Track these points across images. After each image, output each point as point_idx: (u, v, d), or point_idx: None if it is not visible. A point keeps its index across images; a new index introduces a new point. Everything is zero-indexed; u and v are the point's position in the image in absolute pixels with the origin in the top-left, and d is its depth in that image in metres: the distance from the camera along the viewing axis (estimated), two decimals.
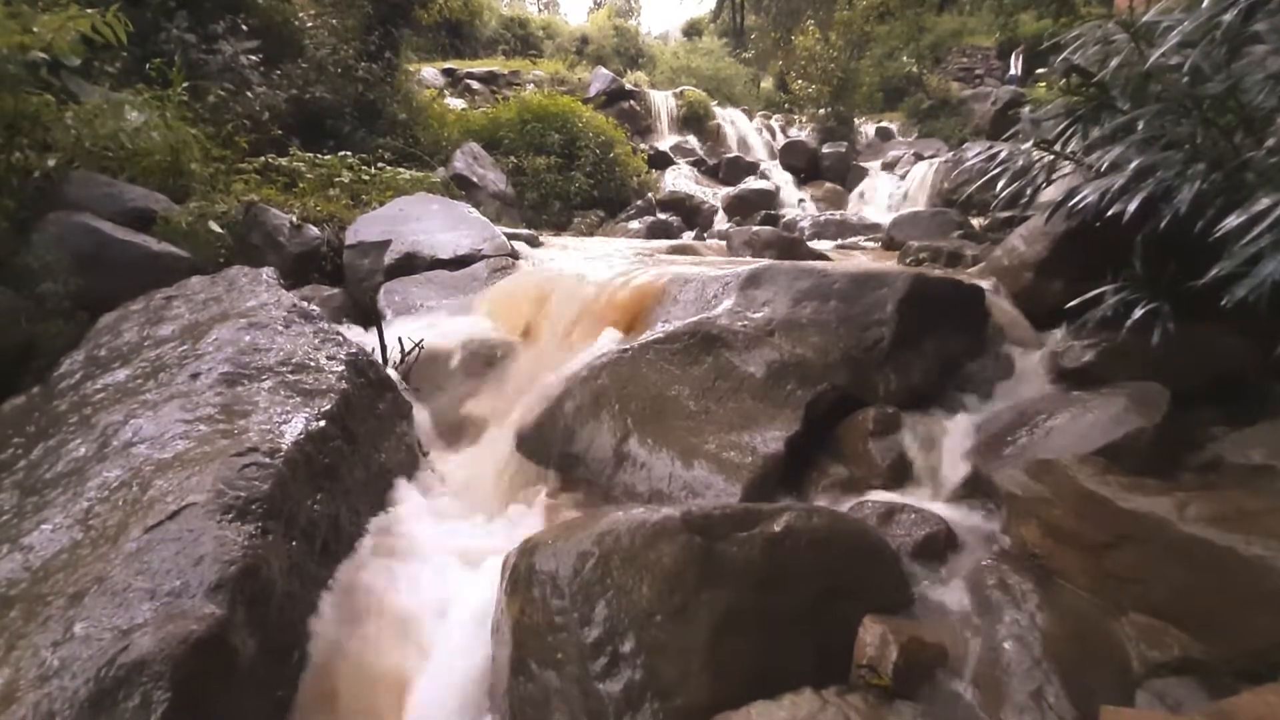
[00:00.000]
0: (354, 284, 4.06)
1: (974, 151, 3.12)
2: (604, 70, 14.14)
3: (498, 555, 1.74)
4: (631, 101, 13.34)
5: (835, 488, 2.20)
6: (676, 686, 1.34)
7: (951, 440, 2.32)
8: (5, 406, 2.38)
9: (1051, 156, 2.58)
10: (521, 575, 1.55)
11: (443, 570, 1.89)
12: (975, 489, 2.13)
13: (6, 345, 2.81)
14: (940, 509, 2.03)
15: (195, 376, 2.08)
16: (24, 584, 1.45)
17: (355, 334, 3.22)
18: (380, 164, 6.20)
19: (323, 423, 1.98)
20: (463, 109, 10.36)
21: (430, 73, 12.14)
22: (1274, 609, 1.34)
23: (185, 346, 2.30)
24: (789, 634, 1.46)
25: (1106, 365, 2.34)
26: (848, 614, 1.52)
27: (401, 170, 6.25)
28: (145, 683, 1.18)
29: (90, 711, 1.15)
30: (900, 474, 2.20)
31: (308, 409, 2.00)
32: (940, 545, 1.85)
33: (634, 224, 8.36)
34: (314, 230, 4.33)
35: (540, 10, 23.04)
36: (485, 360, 2.99)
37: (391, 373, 2.72)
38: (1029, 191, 2.67)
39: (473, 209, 4.88)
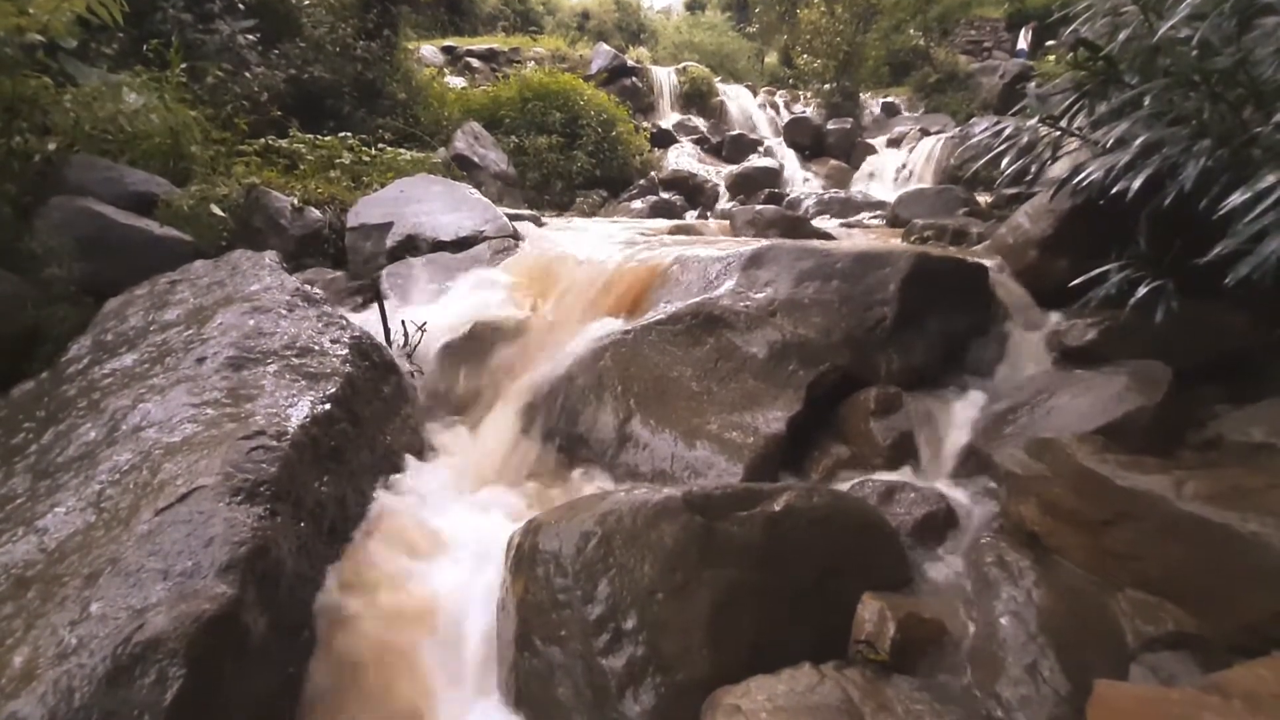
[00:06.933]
0: (356, 266, 4.06)
1: (980, 127, 3.09)
2: (605, 47, 13.93)
3: (502, 535, 1.77)
4: (633, 78, 13.16)
5: (837, 467, 2.22)
6: (677, 661, 1.37)
7: (953, 419, 2.33)
8: (15, 392, 2.41)
9: (1058, 132, 2.55)
10: (526, 554, 1.58)
11: (448, 550, 1.92)
12: (976, 467, 2.14)
13: (13, 331, 2.83)
14: (940, 487, 2.05)
15: (201, 361, 2.10)
16: (40, 565, 1.48)
17: (357, 316, 3.23)
18: (381, 145, 6.15)
19: (328, 406, 2.00)
20: (463, 88, 10.24)
21: (429, 51, 11.99)
22: (1269, 585, 1.36)
23: (190, 331, 2.32)
24: (789, 610, 1.49)
25: (1109, 344, 2.33)
26: (847, 591, 1.55)
27: (402, 151, 6.20)
28: (160, 660, 1.21)
29: (108, 688, 1.18)
30: (901, 453, 2.21)
31: (313, 392, 2.02)
32: (940, 523, 1.87)
33: (636, 203, 8.31)
34: (315, 213, 4.32)
35: None
36: (488, 342, 3.00)
37: (395, 355, 2.74)
38: (1035, 168, 2.65)
39: (474, 190, 4.85)
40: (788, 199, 8.20)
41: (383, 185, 4.89)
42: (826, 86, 13.50)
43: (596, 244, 3.79)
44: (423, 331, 2.94)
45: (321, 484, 1.83)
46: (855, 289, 2.58)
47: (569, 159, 8.84)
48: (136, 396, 2.00)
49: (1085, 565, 1.63)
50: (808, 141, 11.75)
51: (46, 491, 1.74)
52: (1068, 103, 2.43)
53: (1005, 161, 2.65)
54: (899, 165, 10.14)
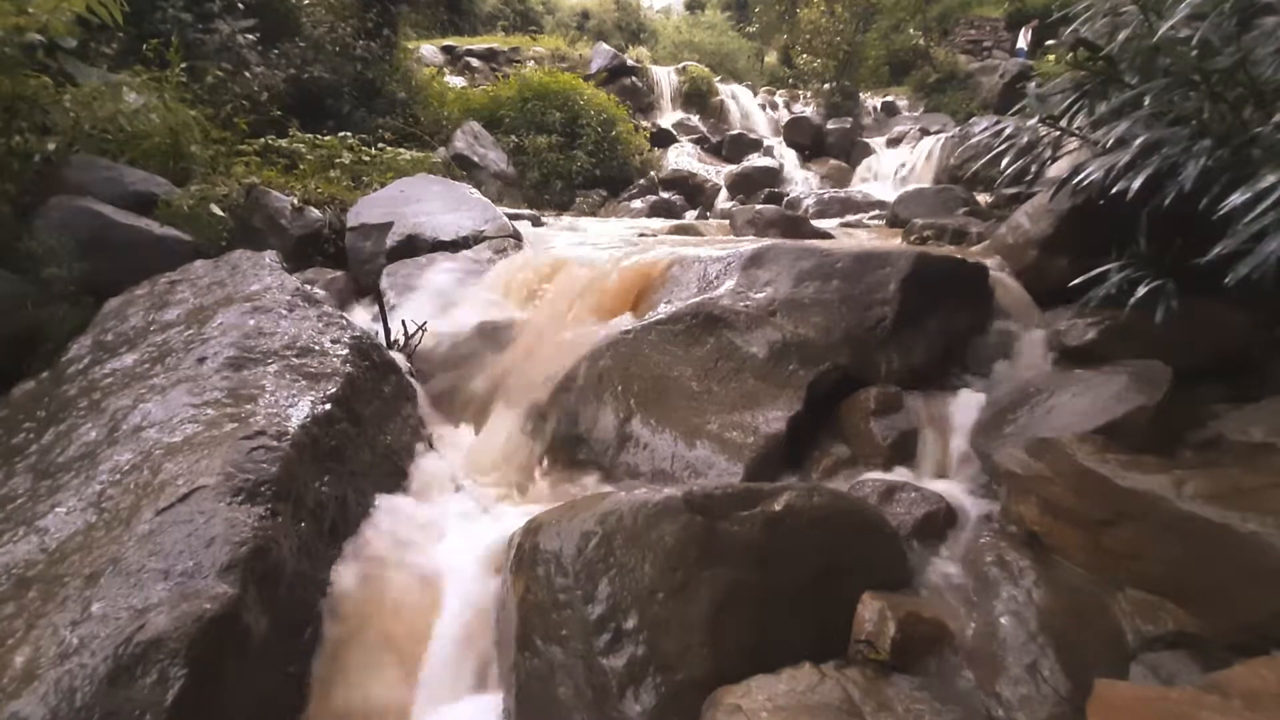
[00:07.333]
0: (356, 266, 4.06)
1: (980, 127, 3.09)
2: (605, 46, 13.91)
3: (503, 535, 1.77)
4: (633, 78, 13.14)
5: (837, 467, 2.22)
6: (678, 661, 1.37)
7: (953, 419, 2.33)
8: (15, 391, 2.41)
9: (1058, 132, 2.55)
10: (526, 554, 1.58)
11: (449, 550, 1.92)
12: (976, 467, 2.15)
13: (13, 331, 2.83)
14: (941, 487, 2.05)
15: (202, 361, 2.10)
16: (41, 565, 1.48)
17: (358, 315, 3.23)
18: (380, 144, 6.15)
19: (328, 406, 2.00)
20: (463, 87, 10.24)
21: (429, 50, 11.97)
22: (1269, 584, 1.36)
23: (191, 331, 2.32)
24: (789, 610, 1.49)
25: (1109, 343, 2.34)
26: (847, 590, 1.55)
27: (402, 150, 6.20)
28: (162, 660, 1.21)
29: (110, 687, 1.18)
30: (901, 453, 2.21)
31: (313, 392, 2.02)
32: (940, 523, 1.87)
33: (636, 203, 8.30)
34: (315, 213, 4.31)
35: None
36: (488, 342, 3.00)
37: (395, 355, 2.74)
38: (1035, 168, 2.65)
39: (474, 190, 4.85)
40: (787, 199, 8.20)
41: (382, 185, 4.89)
42: (826, 86, 13.49)
43: (596, 244, 3.79)
44: (423, 331, 2.94)
45: (322, 484, 1.83)
46: (855, 289, 2.58)
47: (569, 158, 8.83)
48: (137, 396, 2.00)
49: (1085, 565, 1.63)
50: (807, 141, 11.74)
51: (47, 491, 1.74)
52: (1068, 102, 2.43)
53: (1005, 161, 2.65)
54: (899, 165, 10.14)
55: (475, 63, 12.83)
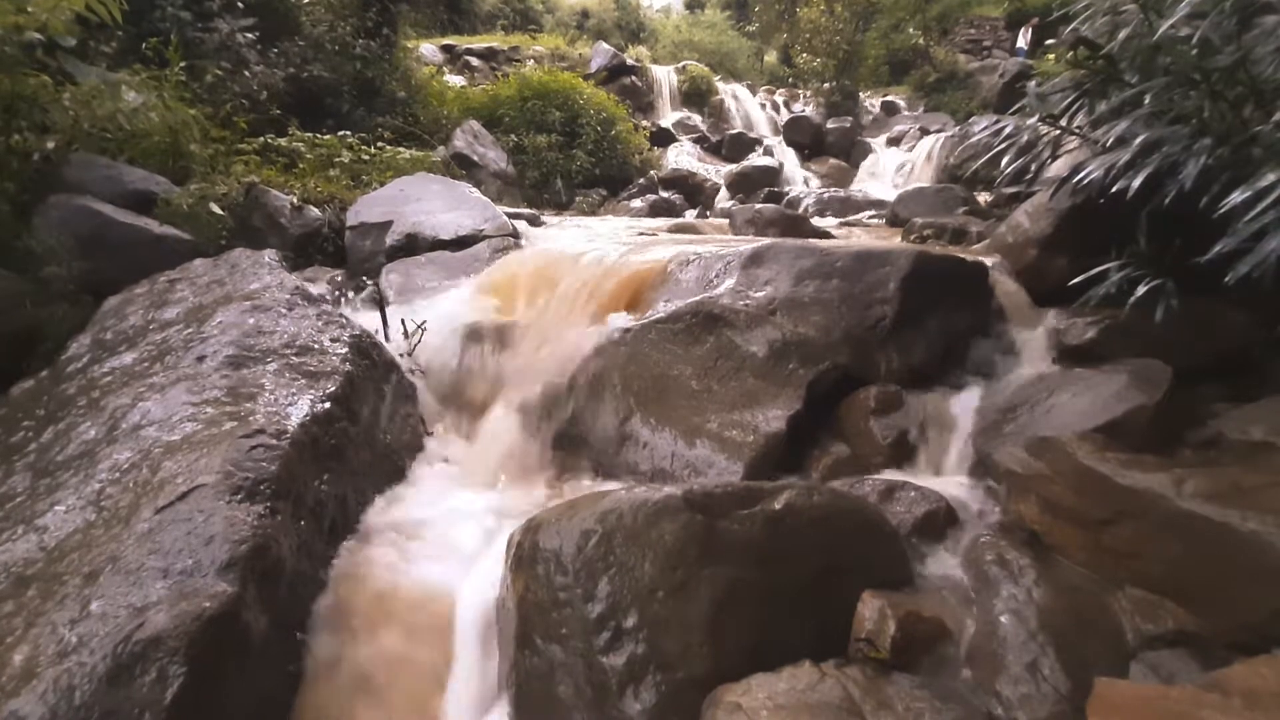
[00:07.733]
0: (356, 265, 4.06)
1: (980, 126, 3.08)
2: (605, 45, 13.93)
3: (502, 534, 1.77)
4: (633, 77, 13.16)
5: (837, 466, 2.22)
6: (678, 660, 1.37)
7: (953, 418, 2.33)
8: (14, 390, 2.40)
9: (1057, 131, 2.54)
10: (526, 553, 1.58)
11: (449, 550, 1.92)
12: (976, 466, 2.15)
13: (12, 329, 2.82)
14: (941, 486, 2.04)
15: (201, 359, 2.10)
16: (40, 564, 1.48)
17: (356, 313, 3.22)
18: (380, 143, 6.15)
19: (328, 404, 2.00)
20: (462, 86, 10.25)
21: (429, 49, 11.98)
22: (1269, 583, 1.36)
23: (190, 329, 2.32)
24: (789, 609, 1.49)
25: (1109, 342, 2.33)
26: (847, 589, 1.55)
27: (401, 150, 6.20)
28: (161, 658, 1.21)
29: (109, 686, 1.18)
30: (901, 452, 2.21)
31: (312, 391, 2.02)
32: (940, 522, 1.87)
33: (636, 202, 8.31)
34: (315, 211, 4.31)
35: None
36: (488, 341, 3.00)
37: (395, 354, 2.73)
38: (1034, 167, 2.64)
39: (474, 189, 4.84)
40: (787, 198, 8.20)
41: (382, 184, 4.89)
42: (826, 85, 13.50)
43: (596, 243, 3.78)
44: (423, 330, 2.94)
45: (321, 483, 1.83)
46: (855, 288, 2.58)
47: (568, 158, 8.83)
48: (136, 395, 2.00)
49: (1085, 563, 1.63)
50: (807, 140, 11.76)
51: (46, 490, 1.74)
52: (1067, 101, 2.42)
53: (1005, 160, 2.65)
54: (898, 164, 10.15)
55: (475, 62, 12.84)
